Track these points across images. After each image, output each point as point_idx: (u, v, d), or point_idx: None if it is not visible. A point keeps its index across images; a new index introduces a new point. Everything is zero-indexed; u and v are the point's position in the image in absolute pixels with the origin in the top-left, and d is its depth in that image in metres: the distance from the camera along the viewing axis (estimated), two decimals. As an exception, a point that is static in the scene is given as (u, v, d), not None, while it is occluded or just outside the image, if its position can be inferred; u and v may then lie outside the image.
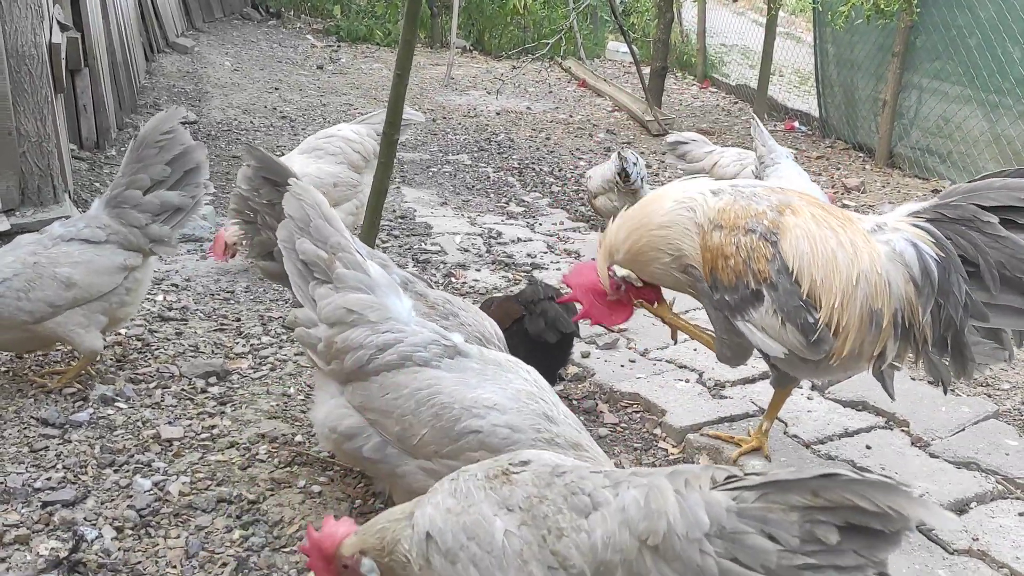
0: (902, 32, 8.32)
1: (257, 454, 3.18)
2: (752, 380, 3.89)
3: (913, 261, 2.66)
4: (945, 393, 2.88)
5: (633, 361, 4.11)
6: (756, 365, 4.00)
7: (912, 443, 3.44)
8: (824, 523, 1.54)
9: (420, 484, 2.44)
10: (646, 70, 10.78)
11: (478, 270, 5.28)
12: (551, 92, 12.11)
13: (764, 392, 3.71)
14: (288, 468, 3.11)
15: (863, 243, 2.74)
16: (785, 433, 3.48)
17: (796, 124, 10.34)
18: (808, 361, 2.84)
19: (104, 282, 3.48)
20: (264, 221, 3.17)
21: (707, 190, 2.95)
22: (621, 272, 3.12)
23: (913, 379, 3.97)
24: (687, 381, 3.88)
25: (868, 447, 3.40)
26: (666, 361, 4.11)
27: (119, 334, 4.00)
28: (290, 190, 2.75)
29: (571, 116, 10.55)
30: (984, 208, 2.60)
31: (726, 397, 3.75)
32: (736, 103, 12.31)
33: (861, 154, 9.16)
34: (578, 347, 4.20)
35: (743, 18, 16.78)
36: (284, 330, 4.21)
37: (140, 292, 3.68)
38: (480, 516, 1.91)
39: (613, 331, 4.42)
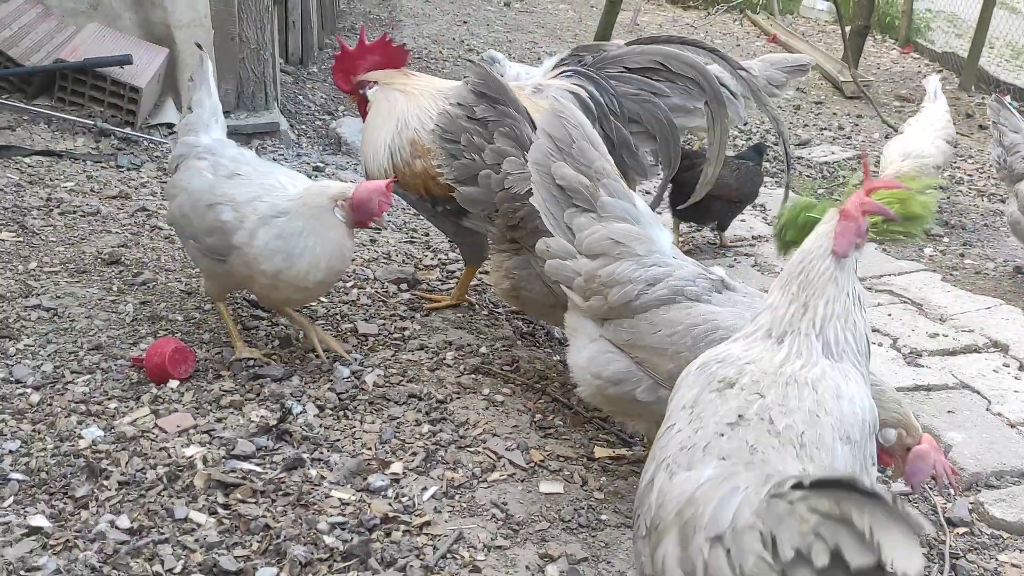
0: None
1: (444, 359, 3.29)
2: (953, 353, 3.67)
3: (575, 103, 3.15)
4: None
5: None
6: (958, 338, 3.78)
7: None
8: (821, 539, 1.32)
9: None
10: (846, 28, 10.18)
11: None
12: (739, 46, 11.65)
13: (965, 365, 3.52)
14: (473, 376, 3.20)
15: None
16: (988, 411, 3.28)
17: (1008, 99, 9.51)
18: None
19: None
20: (470, 142, 3.02)
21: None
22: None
23: None
24: (880, 345, 3.70)
25: None
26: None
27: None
28: (552, 107, 2.61)
29: (759, 71, 10.13)
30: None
31: (922, 366, 3.56)
32: (940, 71, 11.46)
33: (1083, 136, 8.34)
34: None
35: (955, -18, 15.53)
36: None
37: None
38: None
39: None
